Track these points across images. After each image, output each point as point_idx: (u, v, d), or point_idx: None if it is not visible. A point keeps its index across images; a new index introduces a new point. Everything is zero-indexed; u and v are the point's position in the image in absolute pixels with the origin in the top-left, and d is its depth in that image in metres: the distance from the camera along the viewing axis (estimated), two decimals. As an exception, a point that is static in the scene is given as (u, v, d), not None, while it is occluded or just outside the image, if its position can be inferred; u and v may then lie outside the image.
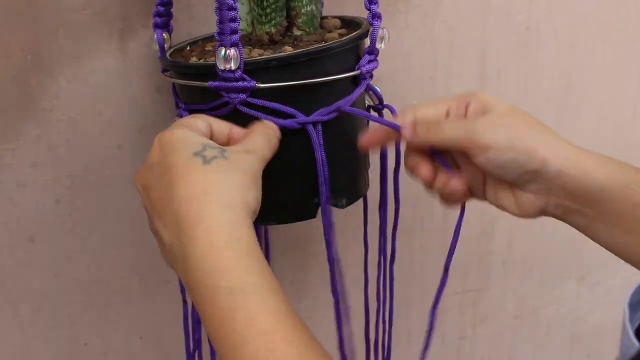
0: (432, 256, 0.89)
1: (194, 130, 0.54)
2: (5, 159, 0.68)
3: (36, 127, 0.68)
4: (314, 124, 0.58)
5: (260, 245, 0.78)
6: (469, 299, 0.94)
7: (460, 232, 0.70)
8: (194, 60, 0.62)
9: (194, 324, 0.68)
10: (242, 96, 0.57)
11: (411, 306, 0.91)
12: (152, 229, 0.54)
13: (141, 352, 0.79)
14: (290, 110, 0.58)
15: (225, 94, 0.57)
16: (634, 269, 1.05)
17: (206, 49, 0.65)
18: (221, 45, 0.55)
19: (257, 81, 0.57)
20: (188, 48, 0.66)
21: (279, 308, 0.46)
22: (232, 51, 0.55)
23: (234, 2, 0.55)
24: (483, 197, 0.61)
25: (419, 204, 0.87)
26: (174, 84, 0.65)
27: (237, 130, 0.56)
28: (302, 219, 0.62)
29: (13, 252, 0.71)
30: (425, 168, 0.59)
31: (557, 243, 0.96)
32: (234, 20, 0.55)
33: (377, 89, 0.65)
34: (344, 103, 0.60)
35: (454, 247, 0.63)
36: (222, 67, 0.56)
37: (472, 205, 0.90)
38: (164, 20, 0.64)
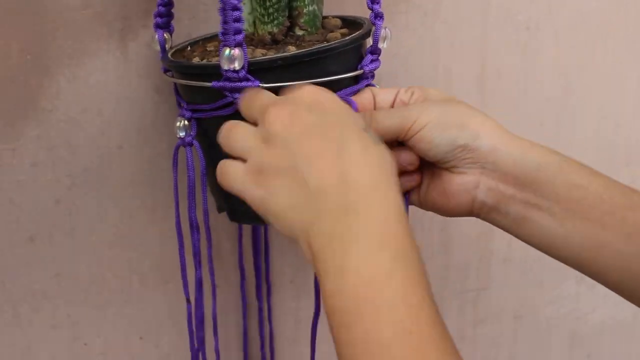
0: (432, 256, 0.89)
1: None
2: (5, 159, 0.68)
3: (36, 127, 0.68)
4: None
5: (260, 245, 0.78)
6: (469, 299, 0.93)
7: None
8: (196, 60, 0.62)
9: (197, 324, 0.68)
10: None
11: (411, 306, 0.91)
12: (275, 165, 0.48)
13: (141, 352, 0.79)
14: None
15: (229, 94, 0.57)
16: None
17: (208, 49, 0.65)
18: (225, 45, 0.55)
19: (261, 81, 0.57)
20: (189, 48, 0.66)
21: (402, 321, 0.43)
22: (236, 51, 0.55)
23: (238, 2, 0.55)
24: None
25: (419, 204, 0.87)
26: (175, 84, 0.65)
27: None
28: None
29: (13, 252, 0.71)
30: None
31: (557, 243, 0.96)
32: (238, 20, 0.55)
33: (376, 86, 0.65)
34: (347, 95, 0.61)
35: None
36: (226, 67, 0.56)
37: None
38: (165, 21, 0.64)
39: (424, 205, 0.61)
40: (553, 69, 0.88)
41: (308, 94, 0.51)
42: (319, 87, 0.53)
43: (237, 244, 0.76)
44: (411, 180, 0.60)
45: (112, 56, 0.68)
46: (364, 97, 0.61)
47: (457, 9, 0.81)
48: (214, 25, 0.70)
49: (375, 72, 0.63)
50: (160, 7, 0.63)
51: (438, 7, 0.80)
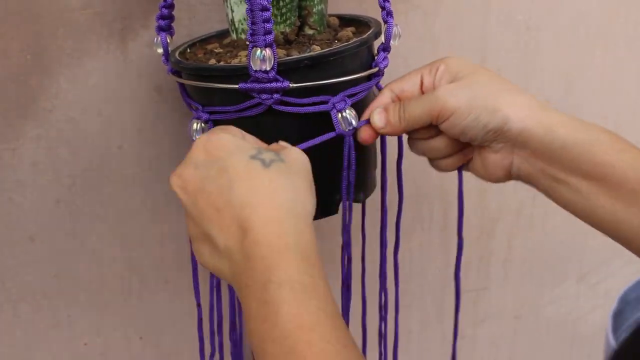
0: (432, 256, 0.89)
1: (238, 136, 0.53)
2: (5, 159, 0.68)
3: (36, 127, 0.68)
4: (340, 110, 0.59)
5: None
6: (469, 299, 0.94)
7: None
8: (212, 62, 0.61)
9: (216, 327, 0.67)
10: (276, 96, 0.57)
11: (411, 306, 0.91)
12: (193, 233, 0.52)
13: (141, 352, 0.79)
14: (324, 98, 0.58)
15: (257, 95, 0.57)
16: (635, 268, 1.05)
17: (215, 50, 0.64)
18: (255, 46, 0.54)
19: (290, 81, 0.56)
20: (188, 50, 0.66)
21: (324, 309, 0.46)
22: (267, 52, 0.54)
23: (268, 3, 0.54)
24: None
25: (419, 203, 0.87)
26: (184, 87, 0.64)
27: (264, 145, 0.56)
28: (326, 215, 0.61)
29: (13, 252, 0.71)
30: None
31: (557, 243, 0.96)
32: (268, 20, 0.54)
33: (382, 86, 0.66)
34: (364, 91, 0.61)
35: (462, 213, 0.68)
36: (256, 68, 0.55)
37: (472, 205, 0.90)
38: (167, 23, 0.63)
39: (468, 170, 0.64)
40: (553, 69, 0.88)
41: (197, 150, 0.52)
42: (210, 133, 0.53)
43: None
44: (462, 159, 0.63)
45: (112, 56, 0.68)
46: (384, 99, 0.61)
47: (457, 9, 0.81)
48: (213, 26, 0.70)
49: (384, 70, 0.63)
50: (163, 10, 0.62)
51: (438, 7, 0.80)
